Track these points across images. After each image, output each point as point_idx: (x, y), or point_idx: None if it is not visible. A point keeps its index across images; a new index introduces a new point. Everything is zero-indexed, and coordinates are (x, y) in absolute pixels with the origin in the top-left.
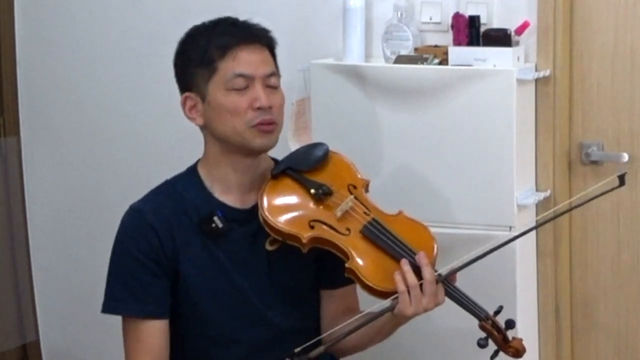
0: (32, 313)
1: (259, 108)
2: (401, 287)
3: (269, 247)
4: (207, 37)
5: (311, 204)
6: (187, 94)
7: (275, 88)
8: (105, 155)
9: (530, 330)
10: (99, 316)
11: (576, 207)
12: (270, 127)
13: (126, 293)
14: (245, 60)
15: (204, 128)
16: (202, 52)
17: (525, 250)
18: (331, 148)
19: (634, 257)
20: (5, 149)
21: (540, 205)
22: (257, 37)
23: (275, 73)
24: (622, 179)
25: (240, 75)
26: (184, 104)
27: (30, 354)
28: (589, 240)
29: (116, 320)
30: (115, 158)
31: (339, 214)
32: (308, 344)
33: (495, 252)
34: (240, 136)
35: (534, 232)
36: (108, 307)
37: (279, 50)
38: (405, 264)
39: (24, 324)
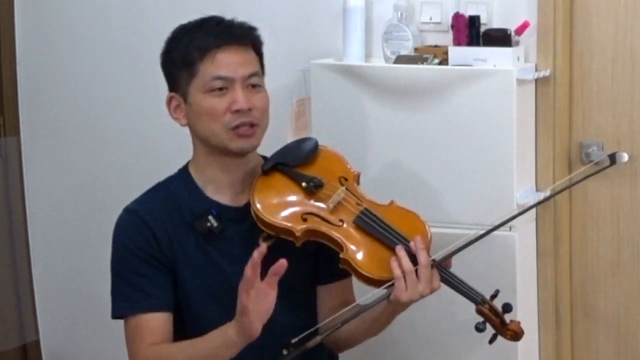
0: (32, 313)
1: (237, 110)
2: (397, 272)
3: (262, 244)
4: (189, 38)
5: (303, 197)
6: (171, 93)
7: (257, 88)
8: (105, 155)
9: (531, 330)
10: (99, 316)
11: (575, 183)
12: (249, 130)
13: (134, 292)
14: (224, 63)
15: (189, 128)
16: (184, 54)
17: (525, 250)
18: (330, 147)
19: (634, 257)
20: (5, 149)
21: (540, 205)
22: (239, 37)
23: (258, 73)
24: (612, 158)
25: (219, 78)
26: (169, 103)
27: (30, 354)
28: (589, 240)
29: (116, 320)
30: (116, 158)
31: (331, 205)
32: (304, 334)
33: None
34: (219, 139)
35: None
36: (119, 311)
37: (279, 51)
38: (400, 250)
39: (24, 324)
